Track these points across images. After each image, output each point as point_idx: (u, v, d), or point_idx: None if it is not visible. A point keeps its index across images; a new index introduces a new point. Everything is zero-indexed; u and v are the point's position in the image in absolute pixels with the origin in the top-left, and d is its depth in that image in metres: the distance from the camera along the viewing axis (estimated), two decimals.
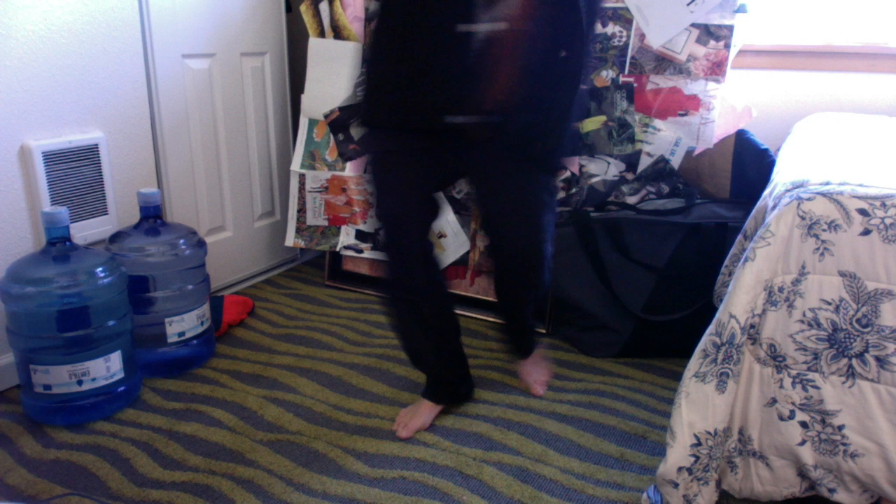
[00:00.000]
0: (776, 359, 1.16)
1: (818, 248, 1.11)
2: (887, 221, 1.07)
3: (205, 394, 1.72)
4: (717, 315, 1.19)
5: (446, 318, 1.56)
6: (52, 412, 1.57)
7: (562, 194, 2.08)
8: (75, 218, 1.80)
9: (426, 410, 1.60)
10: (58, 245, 1.55)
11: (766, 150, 1.94)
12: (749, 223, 1.33)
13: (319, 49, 2.28)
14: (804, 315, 1.13)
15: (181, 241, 1.77)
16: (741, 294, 1.15)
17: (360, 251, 2.38)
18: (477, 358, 1.92)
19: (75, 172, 1.79)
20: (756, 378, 1.18)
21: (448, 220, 2.22)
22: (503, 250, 1.53)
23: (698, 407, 1.18)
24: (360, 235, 2.37)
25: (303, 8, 2.28)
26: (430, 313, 1.51)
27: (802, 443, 1.17)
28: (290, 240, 2.45)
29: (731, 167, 2.01)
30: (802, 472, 1.20)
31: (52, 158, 1.72)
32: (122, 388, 1.63)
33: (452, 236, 2.21)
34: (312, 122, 2.36)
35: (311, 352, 1.96)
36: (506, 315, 1.74)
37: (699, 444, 1.18)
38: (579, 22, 1.33)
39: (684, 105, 1.96)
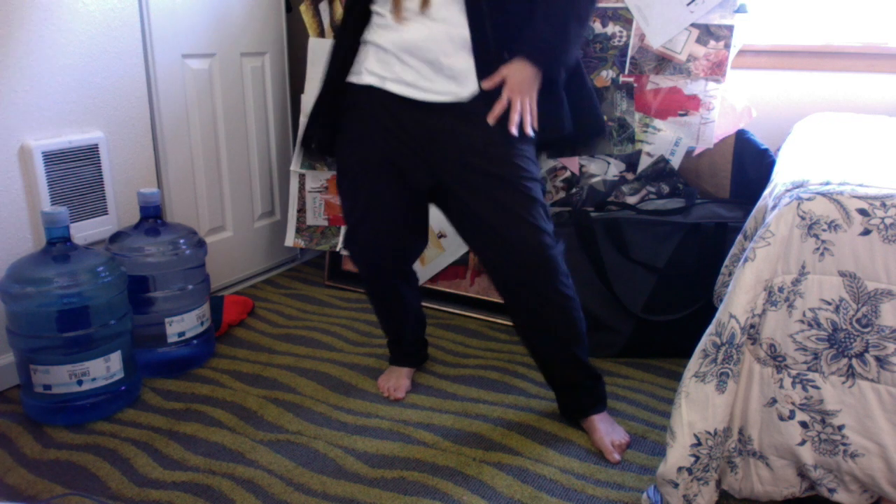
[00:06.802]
0: (776, 359, 1.16)
1: (818, 248, 1.11)
2: (887, 221, 1.07)
3: (205, 394, 1.72)
4: (717, 315, 1.19)
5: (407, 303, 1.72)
6: (52, 412, 1.57)
7: (562, 194, 2.08)
8: (75, 218, 1.79)
9: (402, 373, 1.77)
10: (58, 245, 1.55)
11: (766, 150, 1.94)
12: (749, 223, 1.33)
13: (319, 49, 2.28)
14: (804, 315, 1.13)
15: (181, 241, 1.77)
16: (741, 294, 1.15)
17: None
18: (477, 358, 1.92)
19: (75, 172, 1.79)
20: (756, 378, 1.18)
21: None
22: (497, 276, 1.44)
23: (698, 407, 1.18)
24: None
25: (303, 8, 2.28)
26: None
27: (802, 443, 1.17)
28: (290, 240, 2.45)
29: (731, 167, 2.01)
30: (802, 472, 1.20)
31: (52, 158, 1.72)
32: (122, 388, 1.63)
33: (452, 236, 2.21)
34: None
35: (311, 352, 1.96)
36: (549, 370, 1.55)
37: (699, 444, 1.18)
38: None
39: (684, 105, 1.96)
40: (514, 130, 1.32)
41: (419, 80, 1.34)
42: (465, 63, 1.32)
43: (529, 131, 1.35)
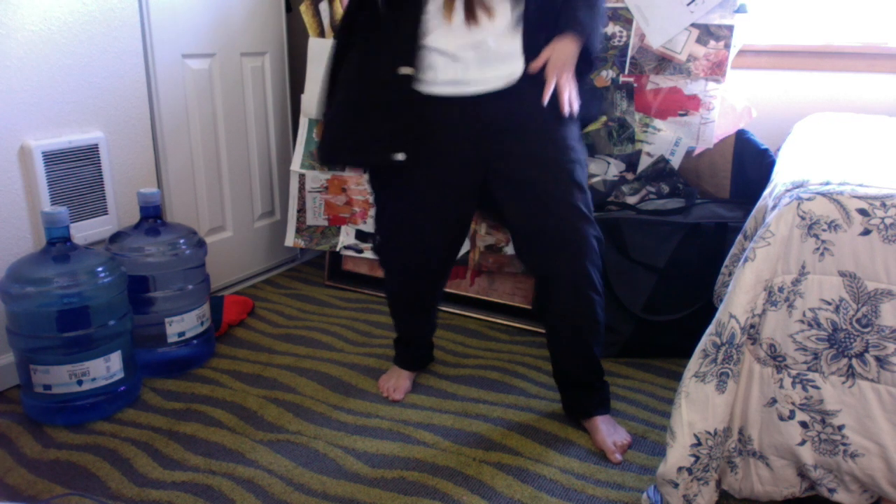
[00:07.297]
0: (776, 359, 1.16)
1: (818, 248, 1.11)
2: (887, 221, 1.07)
3: (205, 394, 1.72)
4: (717, 315, 1.19)
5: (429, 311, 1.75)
6: (52, 412, 1.57)
7: None
8: (75, 218, 1.79)
9: (404, 375, 1.76)
10: (58, 245, 1.55)
11: (766, 150, 1.94)
12: (749, 223, 1.33)
13: (319, 49, 2.28)
14: (804, 315, 1.13)
15: (181, 241, 1.77)
16: (741, 294, 1.15)
17: (360, 251, 2.38)
18: (477, 358, 1.92)
19: (75, 172, 1.79)
20: (756, 378, 1.18)
21: None
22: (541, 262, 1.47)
23: (698, 407, 1.18)
24: (360, 235, 2.37)
25: (303, 8, 2.28)
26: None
27: (802, 443, 1.17)
28: (290, 240, 2.45)
29: (731, 167, 2.01)
30: (802, 472, 1.20)
31: (52, 158, 1.72)
32: (122, 388, 1.63)
33: None
34: (312, 122, 2.36)
35: (311, 352, 1.96)
36: (562, 364, 1.57)
37: (699, 444, 1.18)
38: None
39: (684, 105, 1.96)
40: (566, 110, 1.38)
41: (477, 74, 1.38)
42: (511, 46, 1.39)
43: (576, 108, 1.41)
